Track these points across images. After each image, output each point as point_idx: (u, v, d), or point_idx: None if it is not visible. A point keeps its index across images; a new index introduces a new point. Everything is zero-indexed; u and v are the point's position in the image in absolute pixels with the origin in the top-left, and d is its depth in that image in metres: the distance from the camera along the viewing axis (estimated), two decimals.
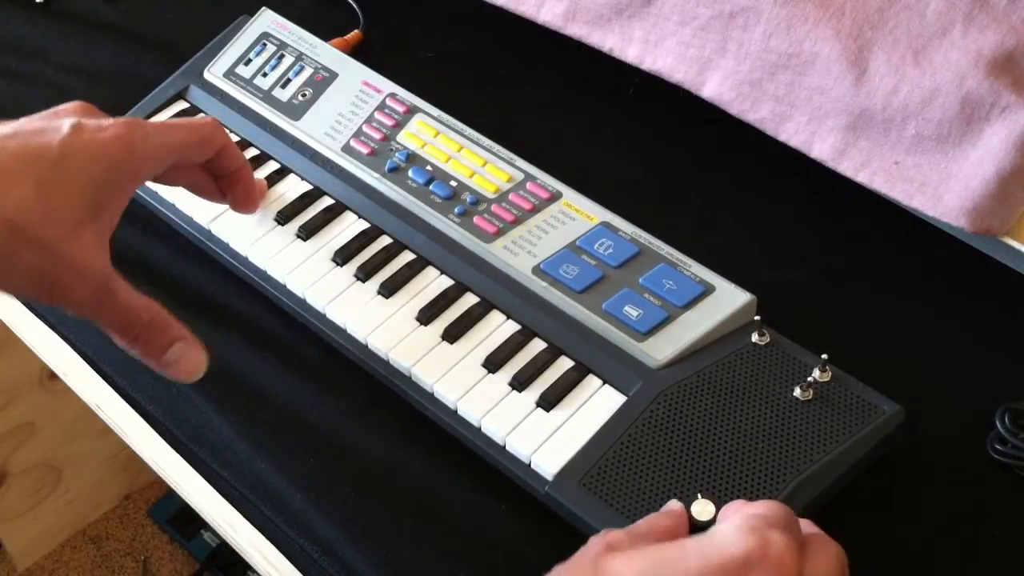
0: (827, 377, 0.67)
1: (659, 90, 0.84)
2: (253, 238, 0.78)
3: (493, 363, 0.70)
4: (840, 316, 0.77)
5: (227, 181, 0.72)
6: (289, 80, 0.85)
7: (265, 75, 0.85)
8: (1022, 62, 0.72)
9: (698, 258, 0.72)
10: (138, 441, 0.75)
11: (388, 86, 0.83)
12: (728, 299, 0.70)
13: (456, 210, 0.76)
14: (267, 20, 0.88)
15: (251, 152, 0.83)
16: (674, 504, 0.60)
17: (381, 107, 0.82)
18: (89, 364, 0.78)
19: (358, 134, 0.81)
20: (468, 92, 0.90)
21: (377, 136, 0.81)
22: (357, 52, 0.91)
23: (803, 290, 0.78)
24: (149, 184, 0.82)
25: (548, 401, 0.68)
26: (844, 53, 0.75)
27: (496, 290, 0.73)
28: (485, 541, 0.66)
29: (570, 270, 0.72)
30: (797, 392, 0.66)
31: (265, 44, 0.87)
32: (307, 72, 0.85)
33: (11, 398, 1.44)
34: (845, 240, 0.82)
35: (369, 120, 0.82)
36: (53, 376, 1.13)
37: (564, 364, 0.70)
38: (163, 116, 0.86)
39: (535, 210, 0.75)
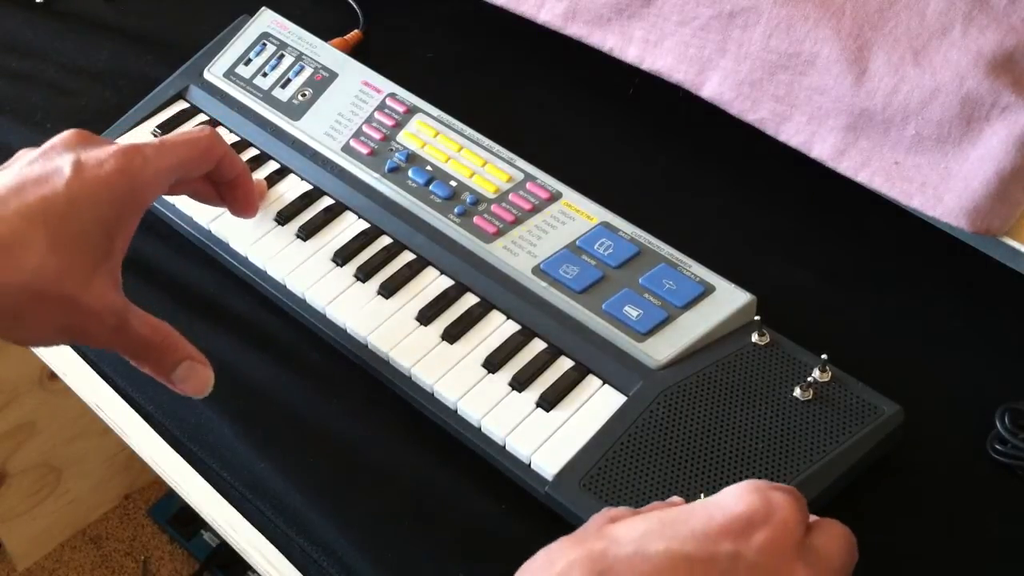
0: (827, 377, 0.67)
1: (659, 90, 0.84)
2: (253, 238, 0.78)
3: (493, 363, 0.70)
4: (840, 316, 0.77)
5: (227, 188, 0.72)
6: (289, 80, 0.85)
7: (265, 75, 0.85)
8: (1022, 62, 0.72)
9: (698, 258, 0.72)
10: (138, 441, 0.75)
11: (388, 86, 0.83)
12: (728, 299, 0.70)
13: (456, 210, 0.76)
14: (267, 20, 0.88)
15: (251, 152, 0.83)
16: (675, 499, 0.60)
17: (381, 107, 0.82)
18: (89, 364, 0.78)
19: (358, 134, 0.81)
20: (468, 92, 0.90)
21: (377, 136, 0.81)
22: (357, 52, 0.91)
23: (803, 290, 0.78)
24: None
25: (548, 401, 0.68)
26: (844, 53, 0.75)
27: (496, 290, 0.73)
28: (485, 541, 0.66)
29: (570, 270, 0.72)
30: (797, 392, 0.66)
31: (265, 44, 0.87)
32: (307, 72, 0.85)
33: (11, 398, 1.44)
34: (845, 240, 0.81)
35: (369, 120, 0.82)
36: (53, 376, 1.13)
37: (564, 364, 0.70)
38: (163, 116, 0.86)
39: (535, 210, 0.75)
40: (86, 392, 0.78)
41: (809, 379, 0.66)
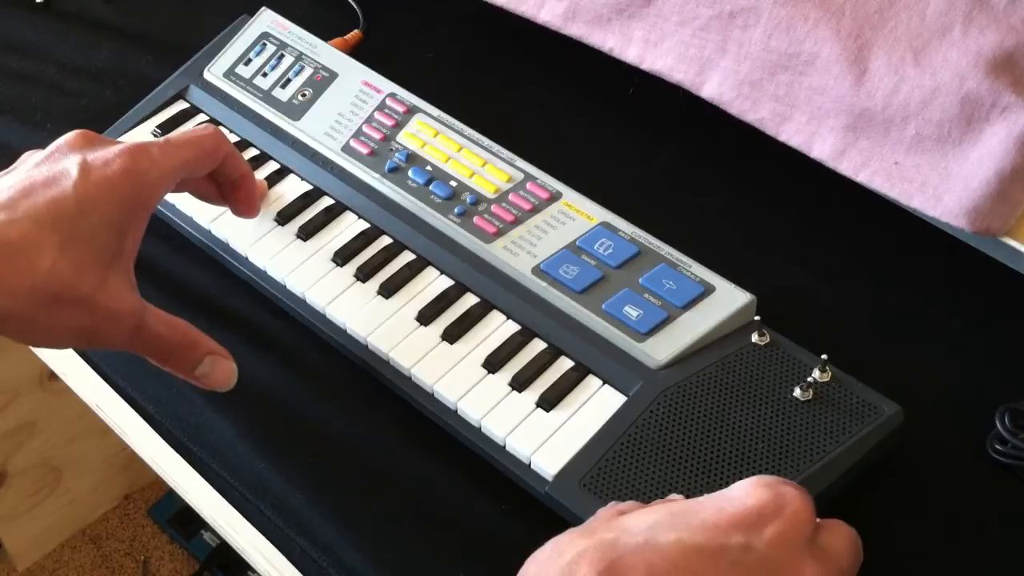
0: (827, 377, 0.67)
1: (659, 90, 0.84)
2: (253, 238, 0.78)
3: (493, 363, 0.70)
4: (840, 316, 0.77)
5: (229, 187, 0.72)
6: (289, 80, 0.85)
7: (265, 75, 0.85)
8: (1022, 62, 0.72)
9: (698, 258, 0.72)
10: (138, 441, 0.75)
11: (388, 86, 0.83)
12: (728, 299, 0.70)
13: (456, 210, 0.76)
14: (267, 20, 0.88)
15: (251, 152, 0.83)
16: (674, 498, 0.60)
17: (381, 107, 0.82)
18: (89, 364, 0.78)
19: (358, 134, 0.81)
20: (468, 92, 0.90)
21: (377, 136, 0.81)
22: (357, 52, 0.91)
23: (803, 290, 0.78)
24: None
25: (548, 401, 0.68)
26: (844, 53, 0.75)
27: (496, 290, 0.73)
28: (485, 541, 0.66)
29: (570, 270, 0.72)
30: (797, 392, 0.66)
31: (265, 44, 0.87)
32: (307, 72, 0.85)
33: (11, 398, 1.44)
34: (845, 240, 0.82)
35: (369, 120, 0.82)
36: (53, 376, 1.13)
37: (564, 364, 0.70)
38: (163, 116, 0.86)
39: (535, 210, 0.75)
40: (86, 392, 0.78)
41: (809, 379, 0.66)
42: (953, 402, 0.72)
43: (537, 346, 0.71)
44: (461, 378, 0.69)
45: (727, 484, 0.62)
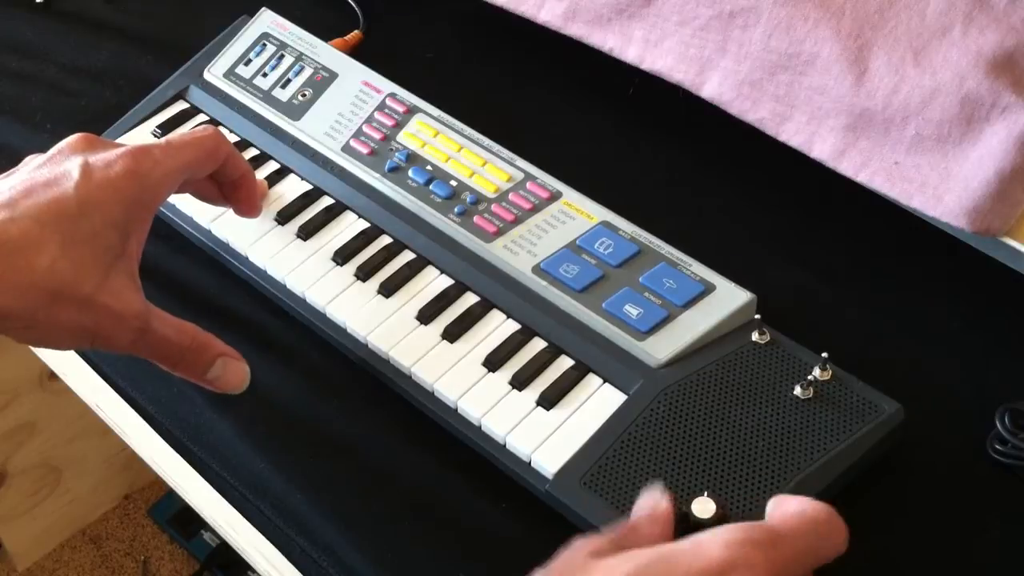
0: (827, 376, 0.67)
1: (659, 90, 0.84)
2: (253, 238, 0.78)
3: (493, 362, 0.70)
4: (840, 315, 0.77)
5: (230, 187, 0.72)
6: (289, 80, 0.85)
7: (265, 75, 0.86)
8: (1022, 62, 0.72)
9: (698, 257, 0.72)
10: (138, 441, 0.75)
11: (388, 86, 0.83)
12: (728, 298, 0.70)
13: (456, 210, 0.76)
14: (267, 20, 0.89)
15: (251, 152, 0.83)
16: (661, 507, 0.59)
17: (381, 107, 0.82)
18: (89, 364, 0.78)
19: (358, 134, 0.81)
20: (468, 92, 0.90)
21: (377, 136, 0.81)
22: (357, 52, 0.91)
23: (803, 289, 0.78)
24: None
25: (548, 400, 0.68)
26: (844, 53, 0.75)
27: (496, 289, 0.73)
28: (485, 541, 0.66)
29: (570, 269, 0.72)
30: (797, 391, 0.66)
31: (265, 44, 0.87)
32: (307, 72, 0.85)
33: (11, 398, 1.44)
34: (845, 239, 0.82)
35: (369, 120, 0.82)
36: (53, 376, 1.13)
37: (564, 363, 0.70)
38: (163, 116, 0.86)
39: (535, 209, 0.75)
40: (86, 392, 0.78)
41: (809, 378, 0.67)
42: (953, 402, 0.72)
43: (537, 345, 0.71)
44: (461, 377, 0.69)
45: (727, 482, 0.63)
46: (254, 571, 0.97)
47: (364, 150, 0.80)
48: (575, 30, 0.86)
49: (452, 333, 0.71)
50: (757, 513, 0.61)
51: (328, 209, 0.79)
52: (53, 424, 1.50)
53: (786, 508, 0.53)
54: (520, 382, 0.69)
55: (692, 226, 0.81)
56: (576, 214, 0.75)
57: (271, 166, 0.82)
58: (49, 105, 0.93)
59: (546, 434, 0.66)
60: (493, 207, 0.76)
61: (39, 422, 1.49)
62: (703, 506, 0.60)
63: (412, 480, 0.69)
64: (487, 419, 0.67)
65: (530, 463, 0.66)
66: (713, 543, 0.50)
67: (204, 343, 0.64)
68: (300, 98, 0.84)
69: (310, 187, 0.80)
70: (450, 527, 0.67)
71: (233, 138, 0.84)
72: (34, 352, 0.82)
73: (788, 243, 0.81)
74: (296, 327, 0.76)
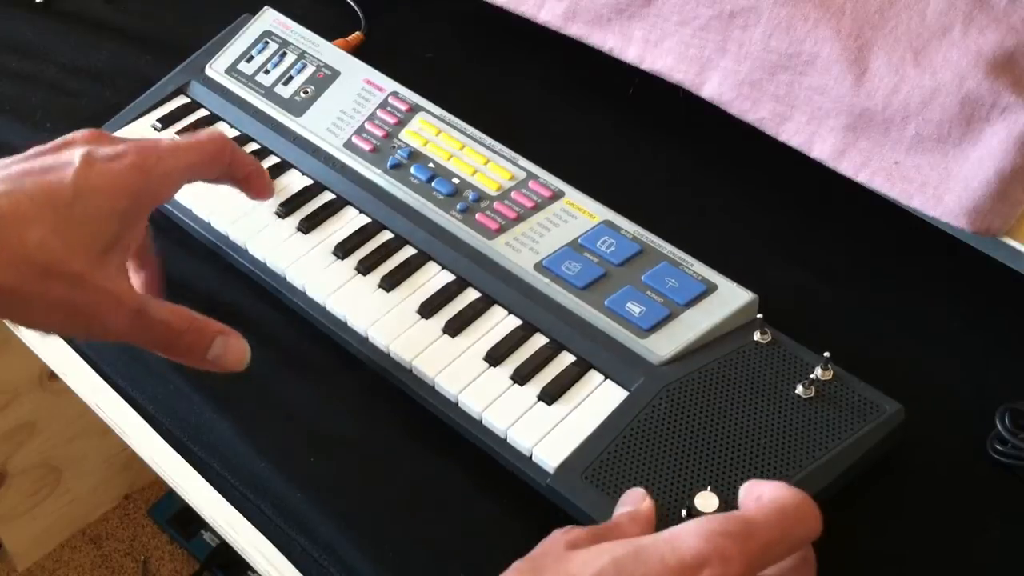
0: (828, 376, 0.67)
1: (659, 90, 0.84)
2: (253, 231, 0.78)
3: (495, 357, 0.70)
4: (840, 315, 0.77)
5: (241, 183, 0.72)
6: (291, 77, 0.85)
7: (267, 72, 0.86)
8: (1022, 62, 0.72)
9: (700, 257, 0.72)
10: (138, 441, 0.75)
11: (390, 84, 0.84)
12: (730, 297, 0.70)
13: (458, 207, 0.76)
14: (269, 18, 0.89)
15: (251, 147, 0.83)
16: (643, 507, 0.60)
17: (383, 105, 0.82)
18: (89, 364, 0.78)
19: (360, 131, 0.81)
20: (468, 92, 0.91)
21: (379, 133, 0.81)
22: (358, 53, 0.91)
23: (804, 289, 0.78)
24: None
25: (550, 395, 0.68)
26: (844, 53, 0.75)
27: (498, 286, 0.73)
28: (485, 539, 0.66)
29: (572, 267, 0.72)
30: (799, 390, 0.66)
31: (267, 42, 0.87)
32: (309, 70, 0.85)
33: (11, 398, 1.44)
34: (846, 240, 0.82)
35: (371, 118, 0.82)
36: (53, 376, 1.13)
37: (566, 359, 0.70)
38: (164, 110, 0.86)
39: (537, 208, 0.75)
40: (86, 392, 0.78)
41: (811, 377, 0.67)
42: (953, 402, 0.72)
43: (539, 340, 0.71)
44: (462, 371, 0.69)
45: (728, 481, 0.63)
46: (254, 571, 0.97)
47: (366, 147, 0.80)
48: (575, 30, 0.86)
49: (453, 327, 0.71)
50: None
51: (329, 204, 0.79)
52: (53, 424, 1.50)
53: (760, 495, 0.53)
54: (522, 377, 0.69)
55: (693, 226, 0.81)
56: (578, 213, 0.75)
57: (271, 160, 0.82)
58: (49, 105, 0.93)
59: (547, 429, 0.66)
60: (495, 205, 0.76)
61: (39, 422, 1.49)
62: (706, 500, 0.60)
63: (413, 477, 0.69)
64: (488, 413, 0.67)
65: (531, 457, 0.66)
66: (688, 535, 0.51)
67: (201, 324, 0.63)
68: (302, 95, 0.84)
69: (311, 182, 0.80)
70: (451, 524, 0.67)
71: (234, 133, 0.84)
72: (34, 352, 0.82)
73: (789, 243, 0.81)
74: (297, 323, 0.76)
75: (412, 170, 0.78)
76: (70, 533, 1.65)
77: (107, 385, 0.77)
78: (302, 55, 0.86)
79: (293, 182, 0.80)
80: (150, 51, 0.97)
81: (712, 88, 0.81)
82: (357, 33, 0.95)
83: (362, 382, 0.73)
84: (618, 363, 0.68)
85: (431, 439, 0.70)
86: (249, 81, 0.86)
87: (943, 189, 0.73)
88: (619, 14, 0.84)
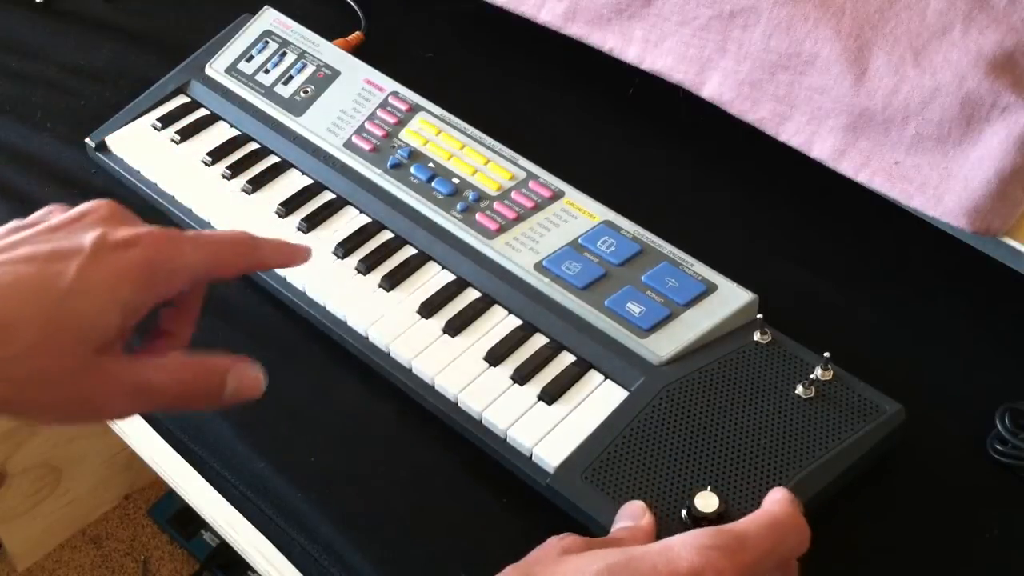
0: (828, 376, 0.67)
1: (659, 90, 0.84)
2: (253, 230, 0.77)
3: (495, 357, 0.70)
4: (841, 315, 0.77)
5: (271, 267, 0.71)
6: (291, 77, 0.85)
7: (267, 72, 0.86)
8: (1022, 62, 0.72)
9: (700, 257, 0.72)
10: (138, 441, 0.75)
11: (390, 84, 0.84)
12: (730, 298, 0.70)
13: (458, 207, 0.76)
14: (269, 18, 0.89)
15: (251, 146, 0.83)
16: (644, 523, 0.60)
17: (383, 105, 0.82)
18: None
19: (360, 131, 0.81)
20: (468, 93, 0.91)
21: (379, 133, 0.81)
22: (358, 53, 0.91)
23: (804, 289, 0.78)
24: (148, 176, 0.82)
25: (550, 395, 0.68)
26: (844, 53, 0.75)
27: (498, 286, 0.73)
28: (486, 537, 0.66)
29: (572, 267, 0.72)
30: (799, 390, 0.66)
31: (267, 42, 0.87)
32: (309, 70, 0.85)
33: None
34: (846, 239, 0.82)
35: (371, 117, 0.82)
36: None
37: (566, 359, 0.70)
38: (164, 110, 0.86)
39: (537, 208, 0.75)
40: None
41: (811, 377, 0.67)
42: (953, 402, 0.72)
43: (539, 341, 0.71)
44: (462, 371, 0.69)
45: (727, 480, 0.63)
46: (254, 571, 0.97)
47: (366, 147, 0.80)
48: (575, 30, 0.86)
49: (453, 327, 0.71)
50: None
51: (329, 204, 0.79)
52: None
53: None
54: (522, 377, 0.69)
55: (693, 226, 0.81)
56: (578, 213, 0.75)
57: (271, 160, 0.82)
58: (49, 105, 0.93)
59: (547, 429, 0.66)
60: (495, 205, 0.76)
61: None
62: (706, 500, 0.60)
63: (412, 478, 0.69)
64: (488, 413, 0.67)
65: (531, 457, 0.66)
66: (682, 548, 0.52)
67: (208, 365, 0.60)
68: (302, 95, 0.84)
69: (311, 182, 0.80)
70: (451, 523, 0.67)
71: (233, 132, 0.84)
72: None
73: (789, 243, 0.81)
74: (296, 322, 0.76)
75: (412, 170, 0.78)
76: (70, 533, 1.65)
77: None
78: (302, 55, 0.86)
79: (293, 182, 0.81)
80: (150, 51, 0.97)
81: (712, 88, 0.81)
82: (357, 33, 0.95)
83: (362, 382, 0.73)
84: (618, 363, 0.68)
85: (431, 439, 0.70)
86: (249, 81, 0.86)
87: (943, 189, 0.73)
88: (619, 14, 0.84)
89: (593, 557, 0.52)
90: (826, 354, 0.67)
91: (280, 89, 0.85)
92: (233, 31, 0.89)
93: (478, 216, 0.75)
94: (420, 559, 0.66)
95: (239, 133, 0.84)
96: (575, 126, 0.90)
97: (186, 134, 0.84)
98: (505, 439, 0.67)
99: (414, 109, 0.82)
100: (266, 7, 0.90)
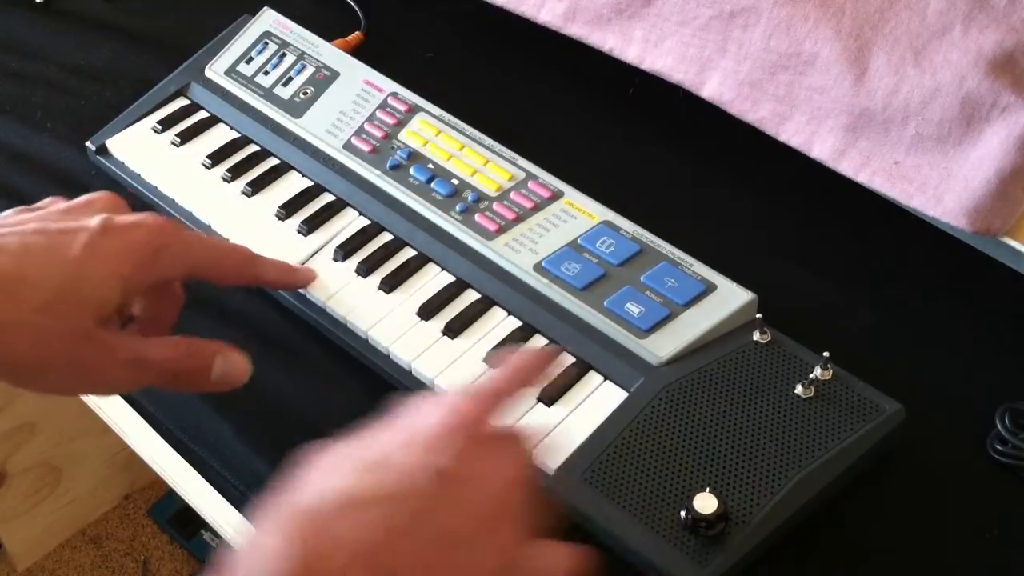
0: (828, 375, 0.67)
1: (659, 90, 0.84)
2: (253, 233, 0.78)
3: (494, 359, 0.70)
4: (840, 315, 0.77)
5: (271, 287, 0.74)
6: (291, 78, 0.85)
7: (267, 73, 0.86)
8: (1022, 62, 0.72)
9: (699, 257, 0.72)
10: (138, 441, 0.75)
11: (390, 85, 0.84)
12: (729, 297, 0.70)
13: (457, 208, 0.76)
14: (269, 19, 0.89)
15: (251, 148, 0.83)
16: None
17: (383, 106, 0.82)
18: None
19: (359, 132, 0.81)
20: (468, 93, 0.91)
21: (379, 134, 0.81)
22: (358, 53, 0.91)
23: (804, 289, 0.78)
24: (148, 179, 0.82)
25: (549, 397, 0.68)
26: (844, 53, 0.75)
27: (497, 287, 0.73)
28: None
29: (571, 268, 0.72)
30: (798, 390, 0.66)
31: (267, 43, 0.87)
32: (308, 71, 0.85)
33: (11, 398, 1.44)
34: (846, 239, 0.82)
35: (371, 118, 0.82)
36: None
37: (565, 360, 0.70)
38: (164, 112, 0.86)
39: (536, 208, 0.75)
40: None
41: (810, 377, 0.67)
42: (953, 402, 0.72)
43: (538, 342, 0.71)
44: (462, 373, 0.69)
45: (727, 480, 0.63)
46: None
47: (365, 148, 0.80)
48: (575, 30, 0.86)
49: (453, 329, 0.71)
50: (757, 511, 0.61)
51: (329, 205, 0.79)
52: (53, 424, 1.50)
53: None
54: None
55: (693, 226, 0.81)
56: (577, 213, 0.75)
57: (271, 162, 0.82)
58: (49, 105, 0.93)
59: (547, 430, 0.66)
60: (494, 205, 0.76)
61: (39, 422, 1.49)
62: (705, 502, 0.60)
63: None
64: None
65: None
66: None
67: (197, 345, 0.62)
68: (301, 96, 0.84)
69: (311, 183, 0.80)
70: None
71: (233, 134, 0.84)
72: None
73: (789, 243, 0.81)
74: (296, 325, 0.76)
75: (411, 171, 0.78)
76: (70, 533, 1.65)
77: None
78: (301, 56, 0.86)
79: (293, 184, 0.81)
80: (150, 51, 0.97)
81: (712, 88, 0.81)
82: (357, 33, 0.95)
83: (362, 383, 0.73)
84: (618, 364, 0.68)
85: None
86: (248, 82, 0.86)
87: (943, 189, 0.73)
88: (619, 14, 0.84)
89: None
90: (825, 354, 0.67)
91: (280, 91, 0.85)
92: (232, 32, 0.89)
93: (477, 217, 0.75)
94: None
95: (239, 135, 0.84)
96: (575, 126, 0.90)
97: (186, 137, 0.84)
98: None
99: (413, 110, 0.82)
100: (265, 8, 0.90)
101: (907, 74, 0.73)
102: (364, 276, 0.75)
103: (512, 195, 0.76)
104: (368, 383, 0.72)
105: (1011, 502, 0.67)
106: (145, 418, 0.75)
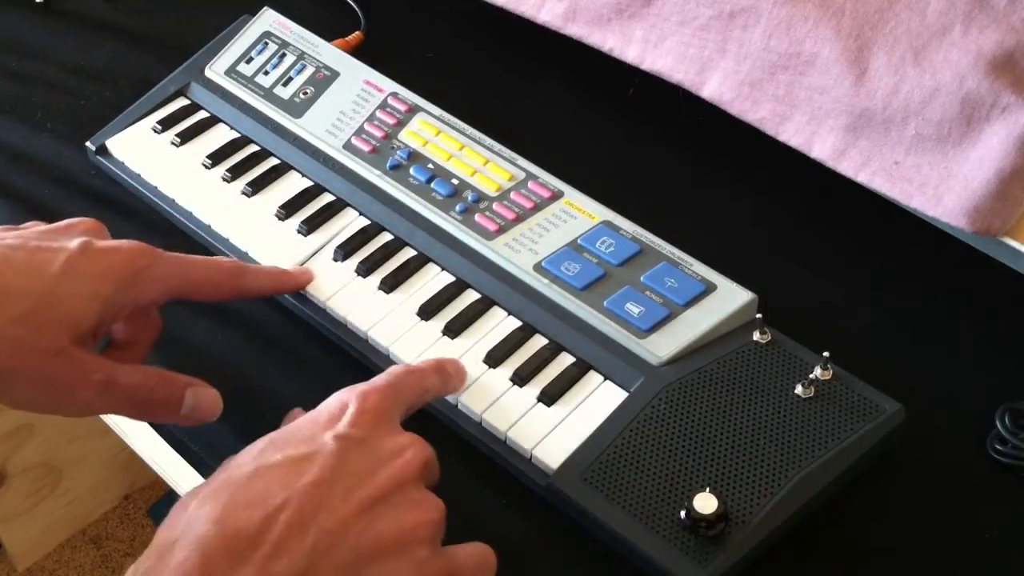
0: (828, 375, 0.67)
1: (659, 90, 0.84)
2: (254, 234, 0.78)
3: (494, 358, 0.70)
4: (840, 315, 0.77)
5: (267, 294, 0.74)
6: (290, 78, 0.85)
7: (266, 73, 0.86)
8: (1022, 62, 0.72)
9: (699, 257, 0.72)
10: (138, 441, 0.75)
11: (390, 85, 0.84)
12: (729, 297, 0.70)
13: (457, 208, 0.76)
14: (269, 19, 0.89)
15: (251, 148, 0.83)
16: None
17: (383, 106, 0.82)
18: None
19: (359, 132, 0.81)
20: (469, 93, 0.91)
21: (379, 134, 0.81)
22: (358, 53, 0.91)
23: (804, 289, 0.78)
24: (148, 179, 0.82)
25: (549, 396, 0.68)
26: (844, 53, 0.75)
27: (497, 287, 0.73)
28: (485, 540, 0.66)
29: (571, 268, 0.72)
30: (798, 390, 0.66)
31: (267, 43, 0.87)
32: (308, 71, 0.85)
33: None
34: (846, 239, 0.82)
35: (371, 118, 0.82)
36: None
37: (565, 360, 0.70)
38: (164, 112, 0.86)
39: (536, 208, 0.75)
40: None
41: (810, 377, 0.67)
42: (953, 402, 0.72)
43: (538, 342, 0.71)
44: None
45: (727, 480, 0.63)
46: None
47: (365, 148, 0.80)
48: (575, 30, 0.86)
49: (453, 329, 0.71)
50: (757, 511, 0.61)
51: (329, 205, 0.79)
52: (53, 424, 1.50)
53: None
54: (521, 378, 0.69)
55: (693, 226, 0.81)
56: (577, 213, 0.75)
57: (271, 162, 0.82)
58: (49, 105, 0.93)
59: (547, 430, 0.66)
60: (494, 205, 0.76)
61: (39, 422, 1.49)
62: (704, 502, 0.60)
63: None
64: (488, 414, 0.67)
65: (531, 458, 0.66)
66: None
67: (170, 379, 0.63)
68: (301, 96, 0.84)
69: (311, 183, 0.80)
70: (450, 525, 0.67)
71: (233, 134, 0.84)
72: None
73: (789, 243, 0.81)
74: (297, 325, 0.76)
75: (411, 171, 0.78)
76: (70, 533, 1.65)
77: None
78: (301, 56, 0.86)
79: (293, 184, 0.81)
80: (150, 51, 0.97)
81: (712, 88, 0.81)
82: (357, 33, 0.95)
83: (364, 380, 0.73)
84: (618, 364, 0.68)
85: (431, 436, 0.70)
86: (248, 82, 0.86)
87: (943, 189, 0.73)
88: (619, 14, 0.84)
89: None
90: (825, 354, 0.67)
91: (279, 91, 0.85)
92: (232, 32, 0.89)
93: (477, 217, 0.75)
94: None
95: (239, 135, 0.84)
96: (575, 126, 0.90)
97: (186, 137, 0.84)
98: (505, 440, 0.67)
99: (413, 110, 0.82)
100: (265, 8, 0.90)
101: (907, 74, 0.73)
102: (364, 276, 0.75)
103: (512, 195, 0.76)
104: None
105: (1011, 502, 0.67)
106: None
